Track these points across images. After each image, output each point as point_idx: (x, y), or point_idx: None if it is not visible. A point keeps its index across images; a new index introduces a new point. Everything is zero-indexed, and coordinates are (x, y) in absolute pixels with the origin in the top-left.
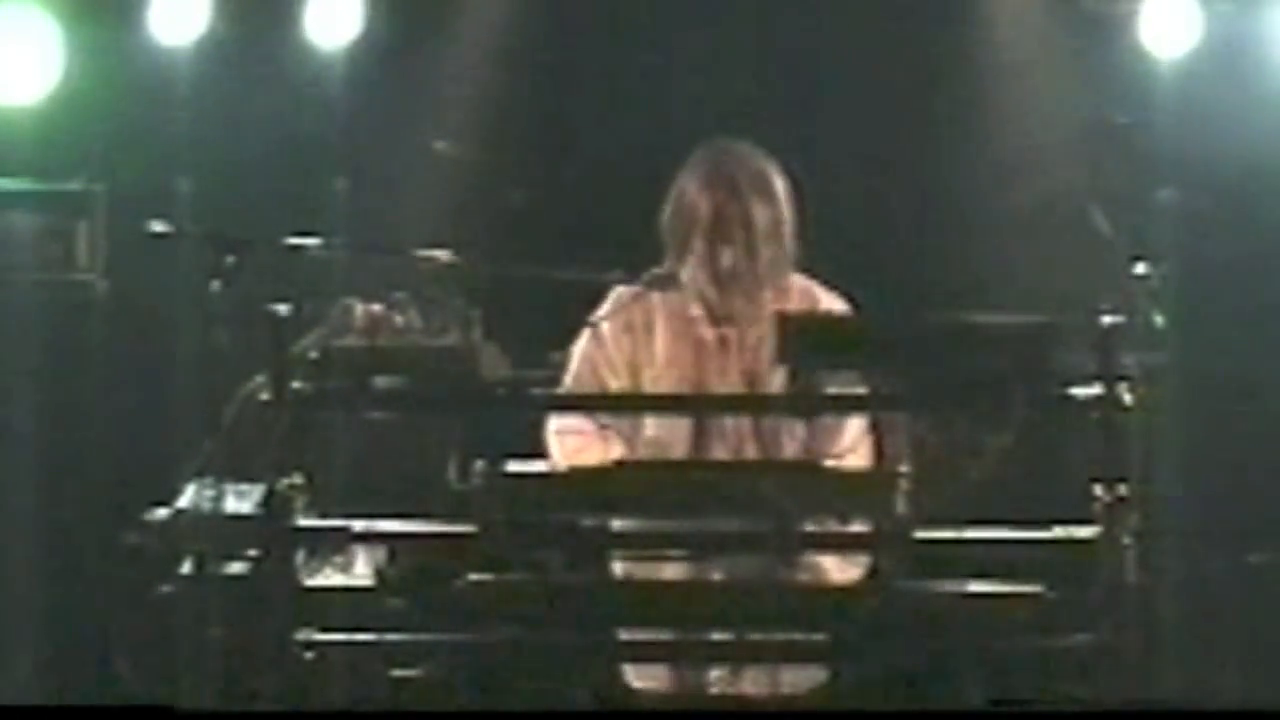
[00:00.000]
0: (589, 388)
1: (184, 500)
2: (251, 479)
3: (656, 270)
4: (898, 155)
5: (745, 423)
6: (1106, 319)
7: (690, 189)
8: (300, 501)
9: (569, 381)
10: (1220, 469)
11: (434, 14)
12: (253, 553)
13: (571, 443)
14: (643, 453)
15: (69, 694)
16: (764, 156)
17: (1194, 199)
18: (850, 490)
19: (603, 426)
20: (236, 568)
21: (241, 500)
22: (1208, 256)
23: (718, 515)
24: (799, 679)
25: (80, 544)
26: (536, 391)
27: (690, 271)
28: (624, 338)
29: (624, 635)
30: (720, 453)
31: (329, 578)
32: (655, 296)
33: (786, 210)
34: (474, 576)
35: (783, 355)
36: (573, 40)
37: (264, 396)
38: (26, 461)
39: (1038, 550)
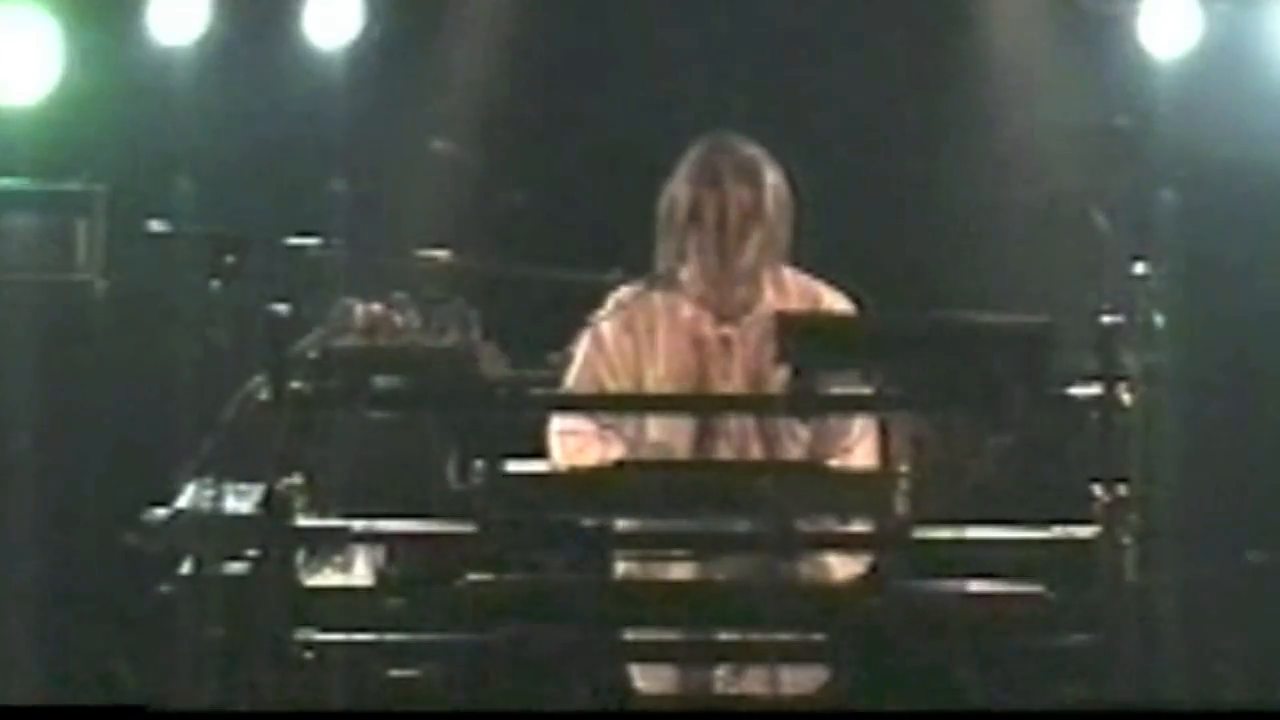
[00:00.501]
0: (589, 391)
1: (184, 500)
2: (251, 479)
3: (657, 271)
4: (898, 155)
5: (748, 423)
6: (1106, 319)
7: (676, 181)
8: (300, 501)
9: (569, 384)
10: (1220, 469)
11: (434, 14)
12: (252, 553)
13: (572, 443)
14: (646, 454)
15: (69, 694)
16: (754, 146)
17: (1194, 199)
18: (850, 490)
19: (604, 428)
20: (236, 568)
21: (241, 500)
22: (1208, 256)
23: (718, 515)
24: (804, 679)
25: (80, 544)
26: (536, 391)
27: (685, 268)
28: (625, 340)
29: (625, 635)
30: (724, 454)
31: (329, 578)
32: (656, 297)
33: (772, 201)
34: (474, 576)
35: (784, 354)
36: (572, 40)
37: (264, 396)
38: (26, 461)
39: (1038, 550)
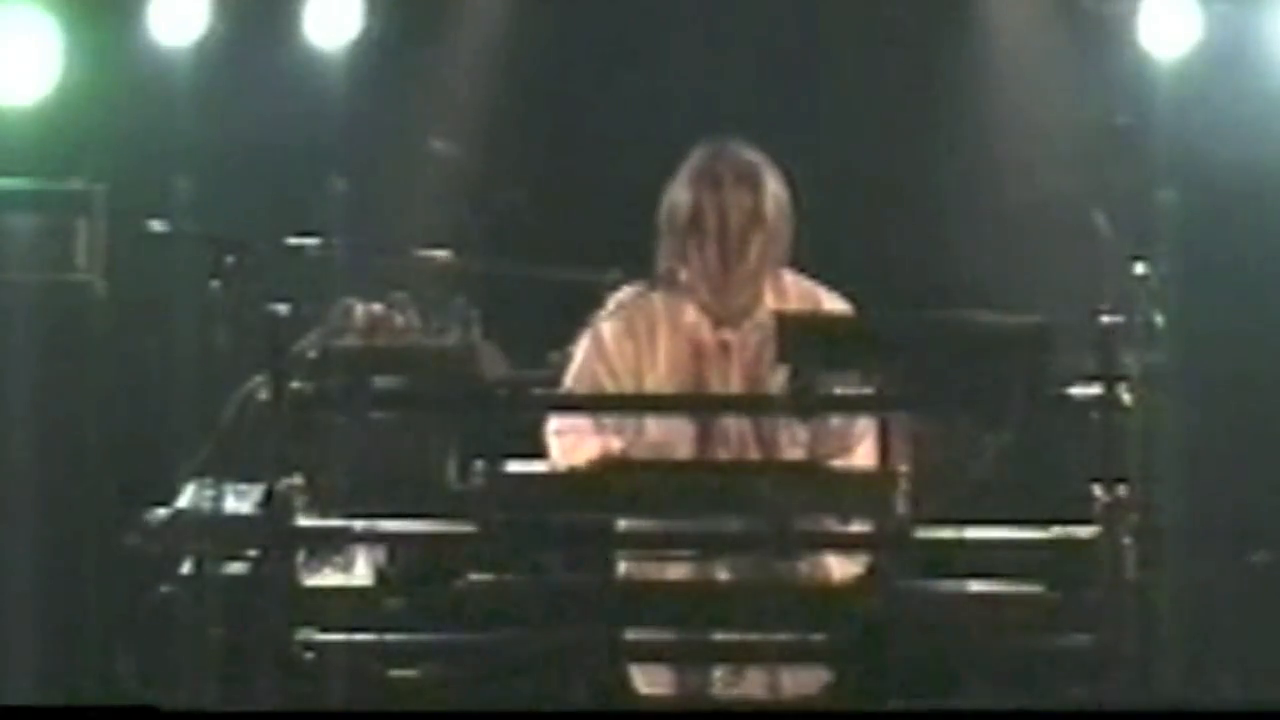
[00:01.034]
0: (588, 393)
1: (184, 500)
2: (251, 479)
3: (657, 273)
4: (898, 155)
5: (747, 427)
6: (1106, 319)
7: (676, 186)
8: (300, 501)
9: (568, 385)
10: (1220, 469)
11: (434, 14)
12: (253, 553)
13: (569, 441)
14: (644, 457)
15: (69, 694)
16: (754, 151)
17: (1194, 199)
18: (851, 490)
19: (601, 428)
20: (236, 568)
21: (241, 500)
22: (1208, 256)
23: (718, 515)
24: (804, 679)
25: (80, 544)
26: (536, 391)
27: (685, 272)
28: (626, 343)
29: (625, 635)
30: (722, 457)
31: (329, 578)
32: (657, 300)
33: (772, 206)
34: (474, 576)
35: (783, 355)
36: (572, 40)
37: (264, 396)
38: (27, 461)
39: (1038, 550)
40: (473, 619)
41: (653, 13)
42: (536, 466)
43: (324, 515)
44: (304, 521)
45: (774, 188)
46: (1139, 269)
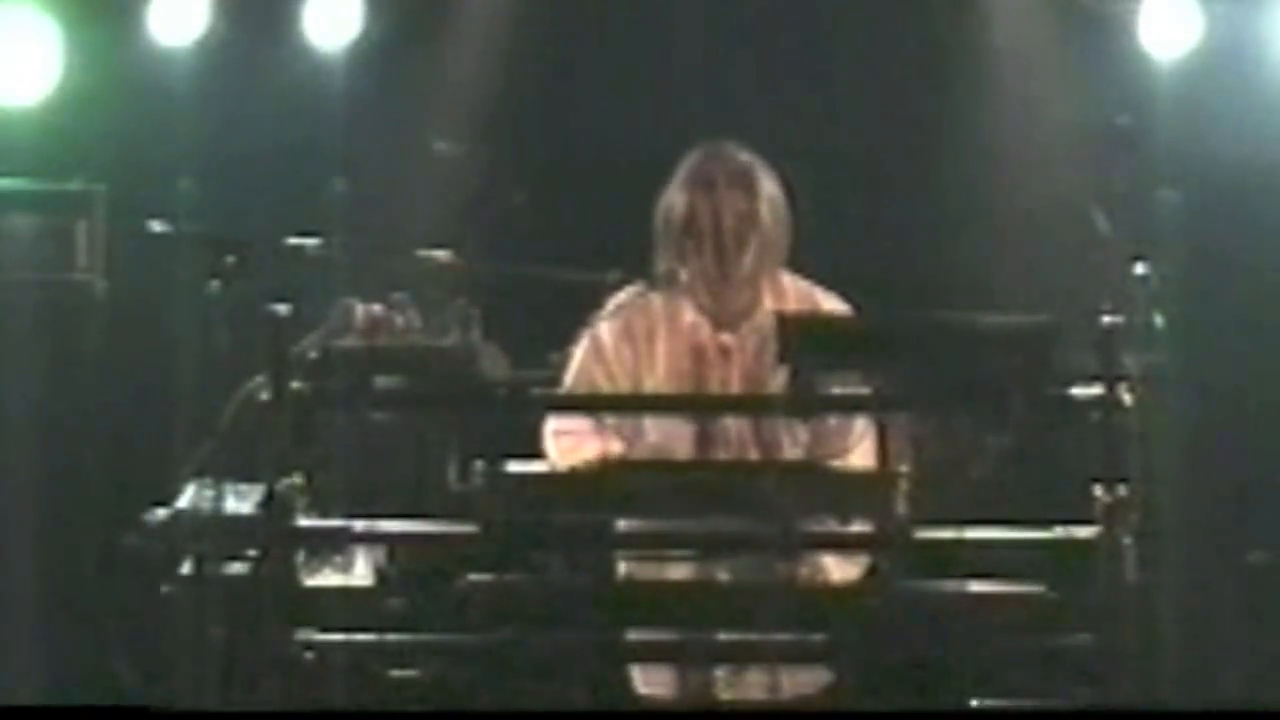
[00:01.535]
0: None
1: (184, 500)
2: (251, 479)
3: (656, 275)
4: (898, 155)
5: (747, 430)
6: (1106, 319)
7: (671, 190)
8: (300, 501)
9: (567, 388)
10: (1220, 469)
11: (434, 14)
12: (252, 553)
13: (567, 442)
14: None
15: (69, 694)
16: (749, 153)
17: (1194, 199)
18: (851, 490)
19: (601, 432)
20: (236, 568)
21: (241, 500)
22: (1208, 256)
23: (719, 516)
24: (805, 680)
25: (80, 544)
26: (536, 392)
27: (683, 275)
28: (624, 347)
29: (625, 636)
30: (723, 459)
31: (329, 578)
32: (656, 303)
33: (768, 208)
34: (474, 576)
35: (783, 356)
36: (572, 40)
37: (264, 396)
38: (26, 462)
39: (1038, 550)
40: (473, 619)
41: (653, 12)
42: (536, 466)
43: (324, 515)
44: (304, 521)
45: (769, 189)
46: (1139, 269)
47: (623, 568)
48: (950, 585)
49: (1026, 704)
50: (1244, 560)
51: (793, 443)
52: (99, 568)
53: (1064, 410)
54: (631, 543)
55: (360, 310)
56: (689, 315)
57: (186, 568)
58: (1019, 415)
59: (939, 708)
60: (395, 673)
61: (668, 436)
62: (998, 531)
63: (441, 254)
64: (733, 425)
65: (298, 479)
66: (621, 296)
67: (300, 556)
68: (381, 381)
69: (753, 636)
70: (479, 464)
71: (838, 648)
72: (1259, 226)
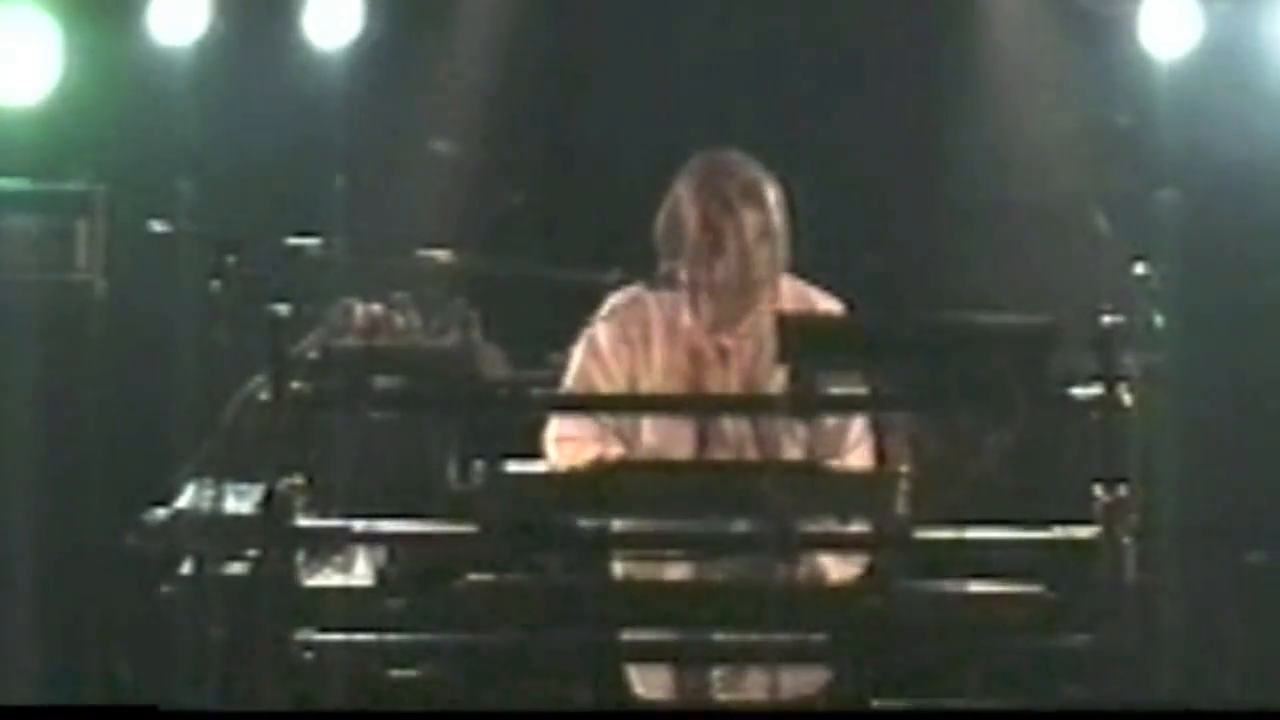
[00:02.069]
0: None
1: (184, 500)
2: (251, 479)
3: (655, 276)
4: (898, 155)
5: (746, 431)
6: (1106, 319)
7: (681, 201)
8: (300, 501)
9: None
10: (1220, 469)
11: (434, 14)
12: (252, 553)
13: (569, 448)
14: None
15: (69, 694)
16: (756, 165)
17: (1194, 199)
18: (850, 491)
19: (600, 430)
20: (236, 568)
21: (241, 500)
22: (1208, 256)
23: (718, 516)
24: (804, 680)
25: (80, 544)
26: (536, 392)
27: (685, 281)
28: (622, 349)
29: (624, 636)
30: (721, 460)
31: (329, 578)
32: (652, 306)
33: (778, 217)
34: (474, 576)
35: (782, 356)
36: (573, 40)
37: (264, 396)
38: (26, 461)
39: (1038, 551)
40: (473, 619)
41: (653, 12)
42: (536, 466)
43: (324, 515)
44: (304, 521)
45: (775, 197)
46: (1139, 269)
47: (621, 568)
48: (950, 585)
49: (1026, 704)
50: (1244, 560)
51: (791, 443)
52: (99, 568)
53: (1064, 410)
54: (631, 543)
55: (360, 310)
56: (686, 318)
57: (186, 568)
58: (1019, 415)
59: (938, 708)
60: (395, 673)
61: (666, 438)
62: (997, 531)
63: (441, 254)
64: (731, 427)
65: (298, 479)
66: (617, 298)
67: (300, 556)
68: (381, 381)
69: (751, 637)
70: (479, 464)
71: (837, 648)
72: (1259, 226)
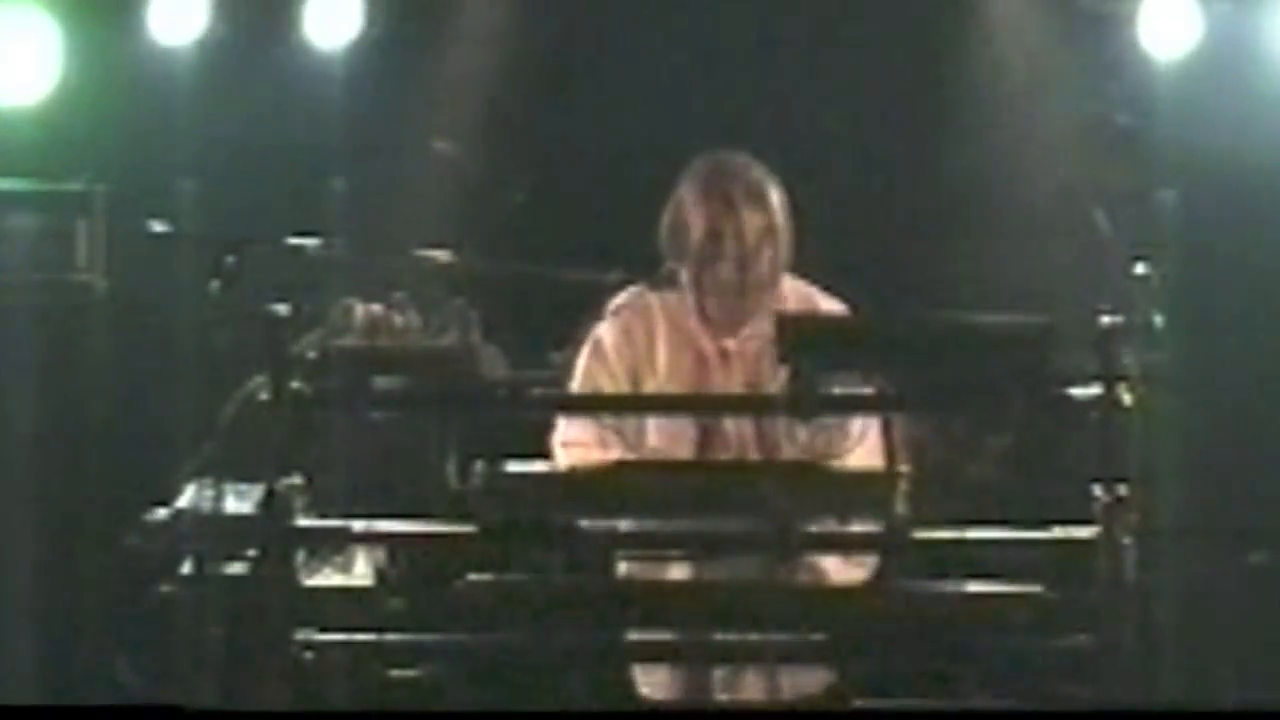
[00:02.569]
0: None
1: (184, 500)
2: (251, 479)
3: (657, 277)
4: (898, 155)
5: (748, 433)
6: (1106, 319)
7: (685, 203)
8: (300, 501)
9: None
10: (1220, 469)
11: (434, 14)
12: (253, 553)
13: (576, 454)
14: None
15: (69, 694)
16: (759, 167)
17: (1194, 199)
18: (850, 491)
19: (604, 436)
20: (236, 568)
21: (241, 500)
22: (1208, 256)
23: (718, 516)
24: (804, 680)
25: (80, 544)
26: (536, 392)
27: (688, 283)
28: (626, 350)
29: (625, 637)
30: (723, 460)
31: (329, 578)
32: (656, 307)
33: (781, 219)
34: (474, 577)
35: (783, 356)
36: (573, 40)
37: (264, 396)
38: (26, 461)
39: (1038, 551)
40: (473, 619)
41: (653, 12)
42: (536, 466)
43: (324, 515)
44: (304, 521)
45: (779, 199)
46: (1139, 269)
47: (622, 568)
48: (949, 585)
49: (1026, 704)
50: (1244, 560)
51: (792, 444)
52: (99, 568)
53: (1064, 410)
54: (631, 543)
55: (360, 310)
56: (689, 320)
57: (186, 568)
58: (1018, 415)
59: (938, 708)
60: (395, 673)
61: (669, 440)
62: (997, 531)
63: (441, 254)
64: (733, 428)
65: (298, 479)
66: (621, 299)
67: (300, 556)
68: (381, 381)
69: (752, 637)
70: (479, 464)
71: (837, 648)
72: (1259, 226)
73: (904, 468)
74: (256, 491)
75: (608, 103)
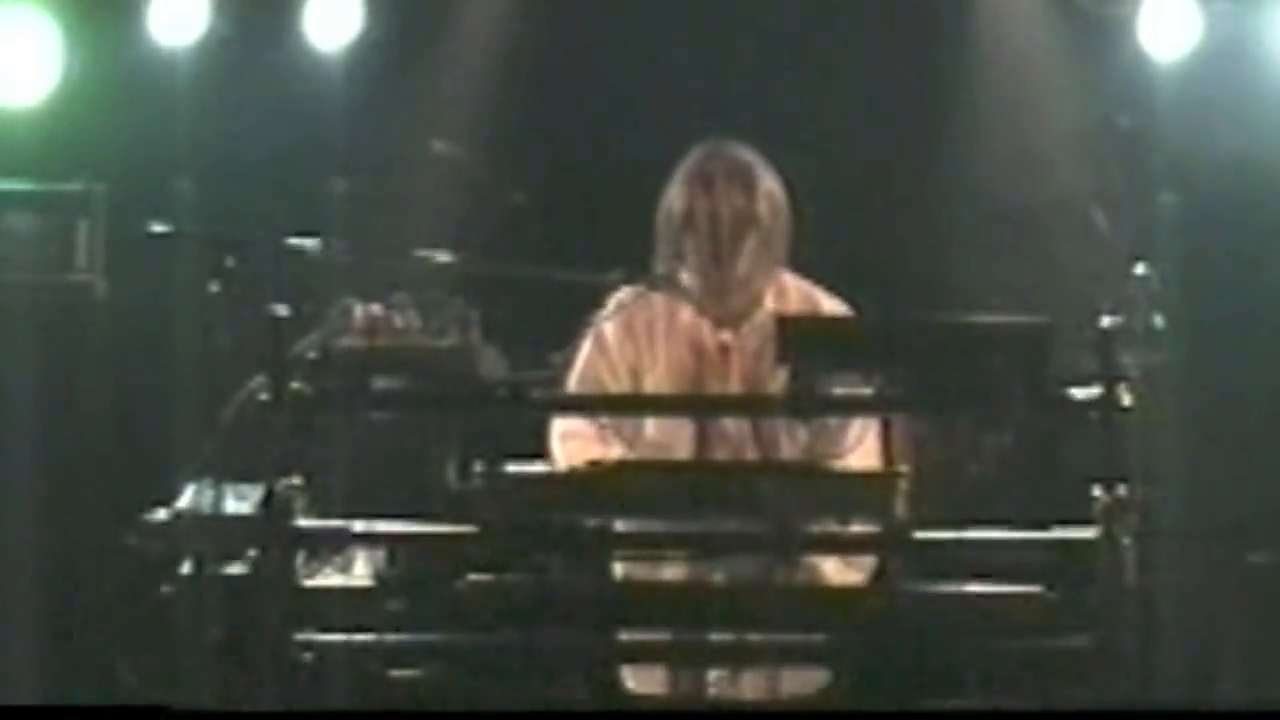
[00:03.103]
0: (590, 393)
1: (184, 500)
2: (251, 479)
3: (657, 274)
4: (897, 156)
5: (746, 429)
6: (1106, 319)
7: (671, 188)
8: (300, 502)
9: (571, 385)
10: (1220, 469)
11: (434, 14)
12: (252, 553)
13: (573, 446)
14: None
15: (69, 694)
16: (750, 152)
17: (1194, 199)
18: (850, 491)
19: (602, 428)
20: (236, 568)
21: (241, 500)
22: (1208, 256)
23: (718, 516)
24: (803, 680)
25: (80, 544)
26: (536, 392)
27: (683, 275)
28: (626, 344)
29: (624, 636)
30: (722, 459)
31: (329, 578)
32: (657, 301)
33: (766, 208)
34: (474, 577)
35: (783, 356)
36: (572, 40)
37: (264, 397)
38: (26, 462)
39: (1038, 551)
40: (472, 619)
41: (653, 12)
42: (536, 466)
43: (324, 515)
44: (304, 521)
45: (768, 187)
46: (1139, 269)
47: (621, 568)
48: (949, 586)
49: (1026, 704)
50: (1244, 560)
51: (792, 443)
52: (99, 568)
53: (1064, 411)
54: (630, 543)
55: (360, 310)
56: (689, 315)
57: (186, 568)
58: (1018, 415)
59: (938, 708)
60: (395, 673)
61: (668, 434)
62: (997, 532)
63: (441, 254)
64: (733, 426)
65: (298, 479)
66: (623, 294)
67: (300, 557)
68: (381, 381)
69: (751, 637)
70: (479, 464)
71: (836, 648)
72: (1259, 227)
73: (904, 468)
74: (256, 492)
75: (608, 103)
